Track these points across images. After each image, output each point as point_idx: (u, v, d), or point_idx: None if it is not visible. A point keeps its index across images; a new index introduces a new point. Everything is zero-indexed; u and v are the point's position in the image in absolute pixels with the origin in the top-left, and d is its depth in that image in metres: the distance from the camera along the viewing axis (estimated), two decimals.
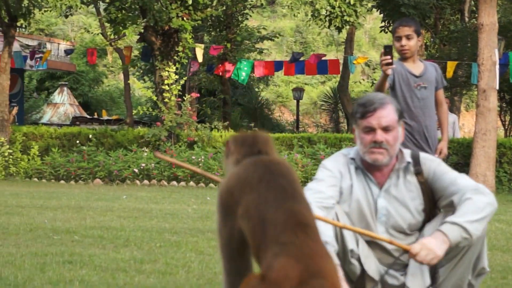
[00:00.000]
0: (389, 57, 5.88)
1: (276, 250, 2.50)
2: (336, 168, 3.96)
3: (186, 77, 20.42)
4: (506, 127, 28.34)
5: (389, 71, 5.97)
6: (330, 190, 3.86)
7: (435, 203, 3.97)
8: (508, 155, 17.56)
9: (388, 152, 3.87)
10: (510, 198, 15.60)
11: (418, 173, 3.95)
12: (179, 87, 19.09)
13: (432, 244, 3.55)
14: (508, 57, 19.11)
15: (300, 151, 17.74)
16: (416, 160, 3.97)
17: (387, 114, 3.85)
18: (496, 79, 16.02)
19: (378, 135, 3.84)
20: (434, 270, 3.92)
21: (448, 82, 24.60)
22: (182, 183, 17.25)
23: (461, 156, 16.75)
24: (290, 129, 36.60)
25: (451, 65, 20.68)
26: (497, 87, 16.16)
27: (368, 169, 3.96)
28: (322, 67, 21.87)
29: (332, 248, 3.55)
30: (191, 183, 17.29)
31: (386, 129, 3.84)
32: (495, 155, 16.49)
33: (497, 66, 16.16)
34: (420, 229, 3.96)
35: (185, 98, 18.70)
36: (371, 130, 3.85)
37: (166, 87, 18.89)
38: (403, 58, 6.41)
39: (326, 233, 3.59)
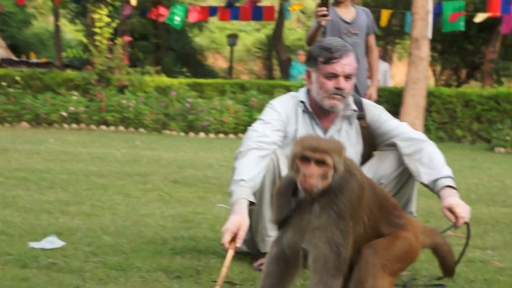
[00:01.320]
0: (325, 8, 5.86)
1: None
2: (284, 111, 3.92)
3: (118, 20, 19.99)
4: (437, 77, 28.76)
5: (324, 23, 5.95)
6: (274, 134, 3.83)
7: (373, 147, 4.00)
8: (437, 104, 17.82)
9: (344, 99, 3.89)
10: (438, 146, 15.87)
11: (361, 118, 3.98)
12: (111, 31, 18.72)
13: (461, 202, 3.58)
14: (441, 7, 19.24)
15: (232, 97, 17.67)
16: (359, 106, 3.99)
17: (350, 62, 3.86)
18: (429, 29, 16.13)
19: (342, 83, 3.84)
20: None
21: (382, 31, 24.77)
22: (112, 128, 17.05)
23: (391, 105, 16.90)
24: (224, 75, 36.44)
25: (385, 14, 20.74)
26: (430, 37, 16.29)
27: (316, 113, 3.94)
28: (257, 13, 21.71)
29: (248, 184, 3.52)
30: (121, 127, 17.09)
31: (347, 77, 3.85)
32: (424, 104, 16.70)
33: (431, 16, 16.27)
34: None
35: (117, 42, 18.38)
36: (334, 76, 3.83)
37: (98, 30, 18.51)
38: (336, 2, 6.38)
39: (249, 171, 3.57)
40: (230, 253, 3.19)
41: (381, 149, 4.01)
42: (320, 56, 3.85)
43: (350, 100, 3.97)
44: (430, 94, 17.59)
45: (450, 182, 3.66)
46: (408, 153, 3.82)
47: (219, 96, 18.10)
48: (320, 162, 2.63)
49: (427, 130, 17.38)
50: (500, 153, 15.42)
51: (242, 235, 3.27)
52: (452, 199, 3.56)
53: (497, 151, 15.70)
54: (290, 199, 2.77)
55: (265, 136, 3.78)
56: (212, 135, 16.93)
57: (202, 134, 16.98)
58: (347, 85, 3.84)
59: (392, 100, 17.36)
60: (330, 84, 3.83)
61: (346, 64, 3.83)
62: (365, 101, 4.06)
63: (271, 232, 3.84)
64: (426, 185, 3.73)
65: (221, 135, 16.92)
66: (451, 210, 3.51)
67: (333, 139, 2.76)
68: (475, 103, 17.65)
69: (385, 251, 2.84)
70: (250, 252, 4.01)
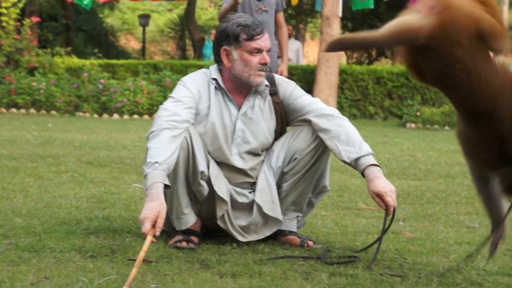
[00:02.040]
0: None
1: None
2: (195, 88, 3.90)
3: (25, 1, 19.50)
4: (348, 54, 29.12)
5: (240, 1, 5.96)
6: (186, 112, 3.80)
7: (287, 123, 4.03)
8: (349, 81, 18.06)
9: (265, 75, 3.91)
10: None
11: (274, 93, 3.98)
12: (17, 11, 18.24)
13: (388, 185, 3.66)
14: None
15: (146, 78, 17.51)
16: (271, 82, 4.00)
17: (268, 37, 3.92)
18: (340, 7, 16.30)
19: (266, 57, 3.88)
20: (278, 186, 3.98)
21: (293, 9, 24.92)
22: (22, 110, 16.66)
23: (304, 83, 17.06)
24: (136, 56, 36.05)
25: None
26: (340, 15, 16.46)
27: (228, 90, 3.93)
28: None
29: (162, 167, 3.51)
30: (32, 110, 16.73)
31: (267, 52, 3.90)
32: (337, 82, 16.91)
33: None
34: (268, 148, 4.02)
35: (25, 23, 17.94)
36: (258, 52, 3.85)
37: (4, 11, 17.99)
38: None
39: (162, 152, 3.56)
40: (149, 239, 3.19)
41: (295, 125, 4.04)
42: (241, 33, 3.85)
43: None
44: (342, 72, 17.82)
45: (372, 160, 3.73)
46: (323, 129, 3.85)
47: (132, 77, 17.92)
48: None
49: (340, 108, 17.62)
50: (411, 128, 15.77)
51: (161, 223, 3.27)
52: (379, 182, 3.63)
53: (408, 126, 16.05)
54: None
55: (177, 114, 3.75)
56: (126, 117, 16.75)
57: (116, 116, 16.78)
58: (269, 60, 3.90)
59: (305, 78, 17.52)
60: (255, 60, 3.84)
61: (266, 39, 3.89)
62: (277, 77, 4.07)
63: (186, 210, 3.83)
64: (347, 163, 3.78)
65: (136, 116, 16.76)
66: (380, 196, 3.60)
67: None
68: (386, 80, 17.97)
69: None
70: (165, 230, 3.99)
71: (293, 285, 3.09)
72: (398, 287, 3.11)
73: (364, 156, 3.73)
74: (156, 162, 3.51)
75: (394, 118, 17.72)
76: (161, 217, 3.28)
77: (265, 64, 3.86)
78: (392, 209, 3.60)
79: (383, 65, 25.64)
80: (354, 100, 18.10)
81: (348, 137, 3.80)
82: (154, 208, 3.29)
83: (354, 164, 3.73)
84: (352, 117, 17.68)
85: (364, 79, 18.06)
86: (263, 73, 3.87)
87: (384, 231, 3.62)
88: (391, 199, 3.59)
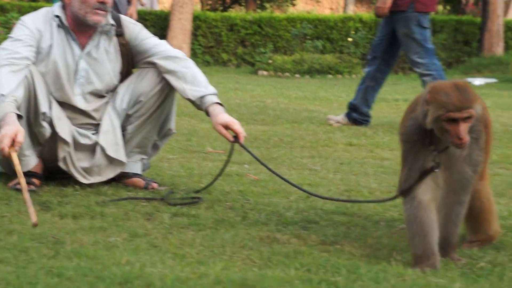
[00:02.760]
0: None
1: None
2: (35, 26, 3.78)
3: None
4: (203, 1, 29.00)
5: None
6: (25, 50, 3.71)
7: (132, 65, 3.98)
8: (203, 28, 18.02)
9: (107, 14, 3.83)
10: (204, 70, 16.10)
11: (120, 34, 3.92)
12: None
13: (233, 119, 3.69)
14: None
15: None
16: (117, 22, 3.94)
17: None
18: None
19: None
20: (123, 128, 3.95)
21: None
22: None
23: (158, 29, 16.89)
24: None
25: None
26: None
27: (72, 29, 3.83)
28: None
29: (10, 98, 3.46)
30: None
31: None
32: (191, 28, 16.84)
33: None
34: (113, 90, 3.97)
35: None
36: None
37: None
38: None
39: (5, 86, 3.48)
40: (15, 156, 3.22)
41: (141, 67, 4.00)
42: None
43: (109, 15, 3.91)
44: (196, 18, 17.75)
45: (216, 99, 3.77)
46: (170, 70, 3.85)
47: None
48: (467, 118, 2.55)
49: (193, 54, 17.58)
50: (263, 75, 15.96)
51: (21, 137, 3.29)
52: (224, 116, 3.69)
53: (260, 74, 16.23)
54: (426, 148, 2.69)
55: (16, 53, 3.66)
56: None
57: None
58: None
59: (159, 24, 17.34)
60: None
61: None
62: (124, 18, 4.01)
63: (27, 152, 3.75)
64: (192, 102, 3.80)
65: None
66: (227, 127, 3.64)
67: (464, 86, 2.59)
68: (239, 27, 18.06)
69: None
70: (5, 171, 3.89)
71: (134, 226, 3.10)
72: (239, 226, 3.18)
73: (209, 94, 3.77)
74: (2, 95, 3.46)
75: (246, 65, 17.87)
76: (20, 136, 3.29)
77: (103, 2, 3.78)
78: (242, 136, 3.67)
79: (237, 12, 25.71)
80: (208, 47, 18.10)
81: (194, 77, 3.82)
82: (10, 129, 3.30)
83: (199, 102, 3.76)
84: (206, 64, 17.70)
85: (218, 26, 18.07)
86: (101, 12, 3.79)
87: (226, 163, 3.72)
88: (240, 127, 3.66)
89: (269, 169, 3.64)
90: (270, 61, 16.49)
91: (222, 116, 3.69)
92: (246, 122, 7.03)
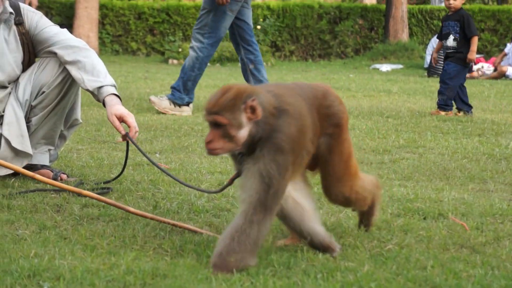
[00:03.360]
0: None
1: None
2: None
3: None
4: None
5: None
6: None
7: (34, 55, 3.90)
8: (110, 16, 17.80)
9: (2, 2, 3.73)
10: (113, 59, 15.95)
11: (19, 23, 3.83)
12: None
13: (128, 111, 3.61)
14: None
15: None
16: (17, 11, 3.84)
17: None
18: None
19: None
20: (27, 120, 3.87)
21: None
22: None
23: (64, 17, 16.59)
24: None
25: None
26: None
27: None
28: None
29: None
30: None
31: None
32: (97, 17, 16.61)
33: None
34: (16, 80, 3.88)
35: None
36: None
37: None
38: None
39: None
40: None
41: (42, 56, 3.92)
42: None
43: (6, 3, 3.81)
44: (102, 7, 17.51)
45: (114, 90, 3.70)
46: (70, 60, 3.77)
47: None
48: (216, 125, 2.41)
49: (102, 43, 17.36)
50: (173, 64, 15.88)
51: None
52: (119, 107, 3.61)
53: (170, 62, 16.15)
54: (238, 158, 2.56)
55: None
56: None
57: None
58: None
59: (65, 13, 17.02)
60: None
61: None
62: (23, 6, 3.92)
63: None
64: (91, 92, 3.73)
65: None
66: (121, 119, 3.57)
67: (228, 90, 2.44)
68: (147, 15, 17.91)
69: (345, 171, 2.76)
70: None
71: (43, 218, 3.05)
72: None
73: (107, 85, 3.70)
74: None
75: (156, 54, 17.75)
76: None
77: None
78: (134, 130, 3.57)
79: (144, 0, 25.47)
80: (116, 36, 17.88)
81: (93, 67, 3.74)
82: None
83: (97, 92, 3.69)
84: (115, 53, 17.50)
85: (126, 14, 17.87)
86: None
87: (125, 161, 3.69)
88: (133, 122, 3.58)
89: (159, 168, 3.49)
90: (180, 50, 16.41)
91: (117, 107, 3.61)
92: (156, 111, 6.98)
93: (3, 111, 3.85)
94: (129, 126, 3.58)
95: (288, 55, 18.18)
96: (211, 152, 2.45)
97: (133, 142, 3.48)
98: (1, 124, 3.82)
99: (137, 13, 17.91)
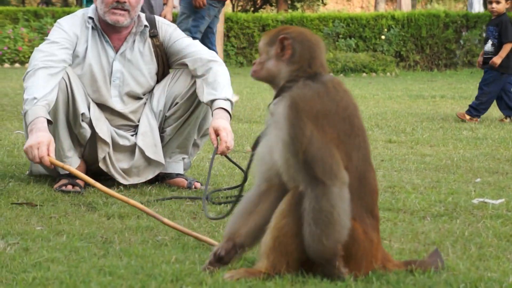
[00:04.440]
0: None
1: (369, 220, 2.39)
2: (72, 31, 3.80)
3: None
4: (234, 2, 29.06)
5: None
6: (62, 53, 3.72)
7: (168, 66, 3.98)
8: (235, 29, 18.05)
9: (129, 14, 3.80)
10: (237, 71, 16.16)
11: (154, 36, 3.91)
12: None
13: (228, 126, 3.62)
14: None
15: (26, 25, 16.97)
16: (152, 23, 3.93)
17: None
18: None
19: None
20: (161, 130, 3.96)
21: None
22: None
23: None
24: (16, 4, 34.83)
25: None
26: None
27: (105, 31, 3.84)
28: None
29: (42, 102, 3.48)
30: None
31: None
32: (223, 29, 16.85)
33: None
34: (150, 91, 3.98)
35: None
36: None
37: None
38: None
39: (40, 89, 3.51)
40: (56, 161, 3.35)
41: (175, 68, 4.00)
42: None
43: (142, 16, 3.91)
44: (228, 20, 17.77)
45: (224, 104, 3.70)
46: (198, 74, 3.83)
47: (12, 24, 17.33)
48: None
49: (226, 55, 17.62)
50: None
51: (52, 148, 3.33)
52: (220, 121, 3.62)
53: None
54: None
55: (53, 55, 3.67)
56: (7, 65, 16.23)
57: None
58: None
59: None
60: None
61: None
62: (158, 19, 4.01)
63: (69, 153, 3.77)
64: (207, 104, 3.78)
65: (17, 65, 16.26)
66: (216, 132, 3.58)
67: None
68: (271, 27, 18.04)
69: None
70: (49, 174, 3.92)
71: (180, 224, 3.10)
72: None
73: (219, 99, 3.71)
74: (35, 98, 3.47)
75: None
76: (52, 144, 3.32)
77: (119, 2, 3.75)
78: (224, 144, 3.55)
79: (268, 13, 25.72)
80: (240, 48, 18.12)
81: (215, 80, 3.77)
82: (42, 136, 3.32)
83: (211, 105, 3.73)
84: (239, 65, 17.73)
85: (250, 27, 18.09)
86: (118, 11, 3.77)
87: (210, 168, 3.61)
88: (226, 135, 3.56)
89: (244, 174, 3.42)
90: None
91: (218, 121, 3.62)
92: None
93: (138, 121, 3.95)
94: (220, 139, 3.58)
95: (413, 65, 17.92)
96: (251, 73, 2.50)
97: (212, 155, 3.58)
98: (136, 133, 3.93)
99: (261, 25, 18.09)
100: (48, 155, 3.31)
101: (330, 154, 2.27)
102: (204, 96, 3.75)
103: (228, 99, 3.73)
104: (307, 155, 2.26)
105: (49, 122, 3.46)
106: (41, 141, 3.31)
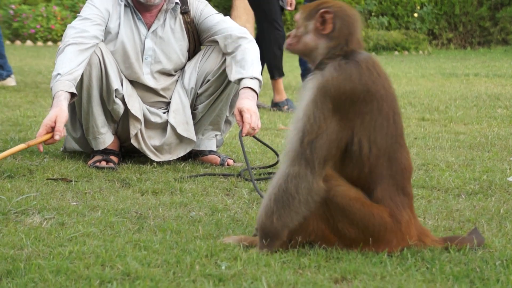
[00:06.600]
0: None
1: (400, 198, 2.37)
2: (104, 7, 3.81)
3: None
4: None
5: None
6: (94, 29, 3.72)
7: (199, 43, 3.98)
8: None
9: None
10: None
11: (185, 12, 3.91)
12: None
13: (253, 106, 3.56)
14: None
15: (59, 3, 17.05)
16: (183, 0, 3.91)
17: None
18: None
19: None
20: (193, 107, 3.96)
21: None
22: None
23: (222, 9, 16.91)
24: None
25: None
26: None
27: (137, 8, 3.85)
28: None
29: (66, 77, 3.50)
30: None
31: None
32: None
33: None
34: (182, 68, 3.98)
35: None
36: None
37: None
38: None
39: (66, 65, 3.54)
40: (21, 147, 3.36)
41: (206, 45, 3.99)
42: None
43: None
44: None
45: (251, 83, 3.66)
46: (228, 51, 3.82)
47: (45, 3, 17.41)
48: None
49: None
50: None
51: (59, 126, 3.34)
52: (245, 101, 3.57)
53: None
54: None
55: (85, 31, 3.68)
56: (40, 43, 16.34)
57: (29, 42, 16.35)
58: None
59: (222, 4, 17.37)
60: None
61: None
62: None
63: (103, 129, 3.79)
64: (235, 82, 3.76)
65: (50, 43, 16.37)
66: (241, 113, 3.54)
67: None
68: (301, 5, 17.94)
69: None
70: (83, 150, 3.95)
71: (214, 201, 3.11)
72: None
73: (247, 78, 3.67)
74: (59, 74, 3.50)
75: None
76: (58, 122, 3.34)
77: None
78: (247, 126, 3.48)
79: None
80: None
81: (243, 58, 3.73)
82: (52, 114, 3.36)
83: (238, 83, 3.71)
84: None
85: None
86: None
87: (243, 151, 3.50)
88: (249, 117, 3.50)
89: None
90: None
91: (243, 101, 3.57)
92: None
93: (170, 98, 3.96)
94: (243, 121, 3.51)
95: (446, 43, 17.75)
96: (286, 46, 2.46)
97: (240, 138, 3.47)
98: (168, 111, 3.93)
99: None
100: (51, 134, 3.36)
101: (328, 148, 2.29)
102: (232, 74, 3.73)
103: (255, 77, 3.69)
104: (311, 144, 2.28)
105: (73, 95, 3.50)
106: (46, 123, 3.36)
